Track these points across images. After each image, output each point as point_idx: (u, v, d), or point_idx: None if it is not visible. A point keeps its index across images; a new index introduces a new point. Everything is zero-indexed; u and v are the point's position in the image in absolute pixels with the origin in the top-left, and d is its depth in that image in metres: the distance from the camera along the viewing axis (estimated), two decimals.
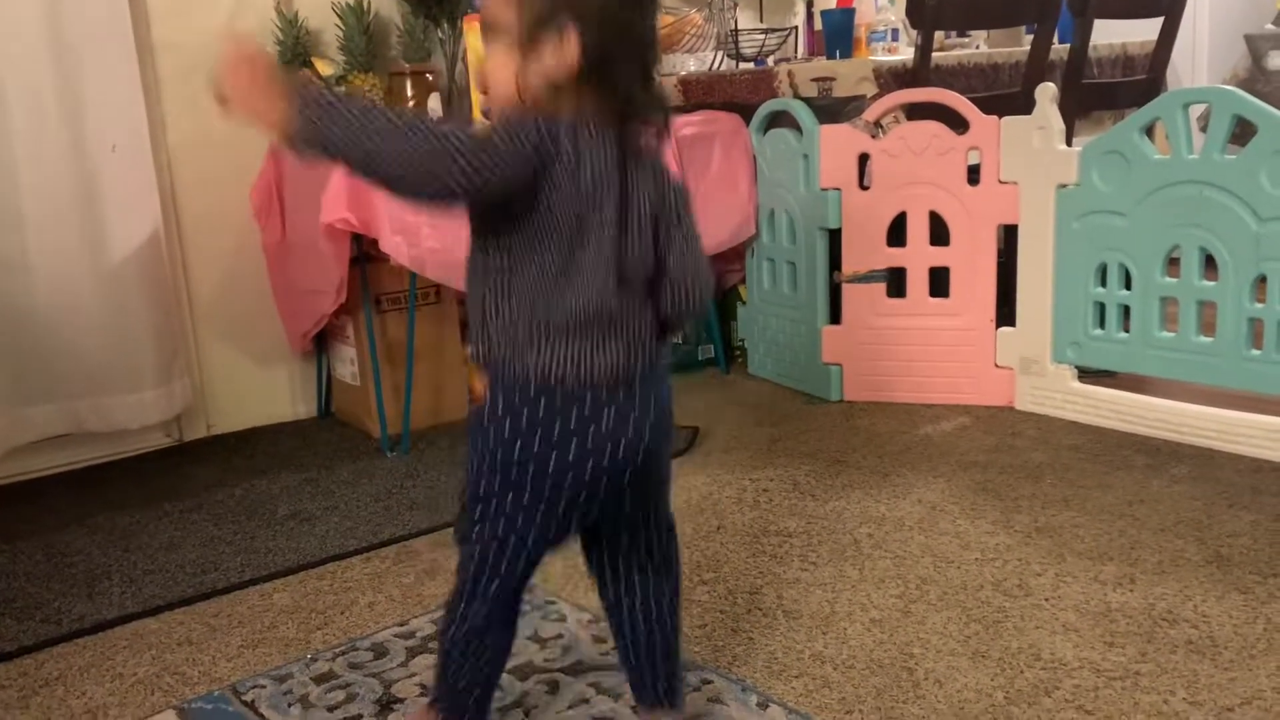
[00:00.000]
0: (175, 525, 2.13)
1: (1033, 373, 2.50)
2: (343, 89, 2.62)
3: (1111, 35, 3.02)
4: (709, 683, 1.45)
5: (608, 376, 1.06)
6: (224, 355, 2.72)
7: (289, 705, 1.45)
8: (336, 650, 1.60)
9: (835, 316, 2.70)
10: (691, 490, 2.16)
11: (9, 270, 2.33)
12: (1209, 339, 2.20)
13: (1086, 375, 2.46)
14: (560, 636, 1.60)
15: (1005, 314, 2.55)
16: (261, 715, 1.43)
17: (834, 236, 2.65)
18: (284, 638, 1.66)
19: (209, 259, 2.67)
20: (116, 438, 2.54)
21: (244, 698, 1.48)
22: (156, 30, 2.53)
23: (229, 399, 2.74)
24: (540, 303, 1.04)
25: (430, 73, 2.72)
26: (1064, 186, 2.38)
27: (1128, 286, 2.32)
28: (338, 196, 2.30)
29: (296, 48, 2.63)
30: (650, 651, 1.25)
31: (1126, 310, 2.34)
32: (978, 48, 3.05)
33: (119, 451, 2.57)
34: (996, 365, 2.56)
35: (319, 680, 1.51)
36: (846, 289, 2.66)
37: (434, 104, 2.67)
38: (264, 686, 1.50)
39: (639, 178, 1.07)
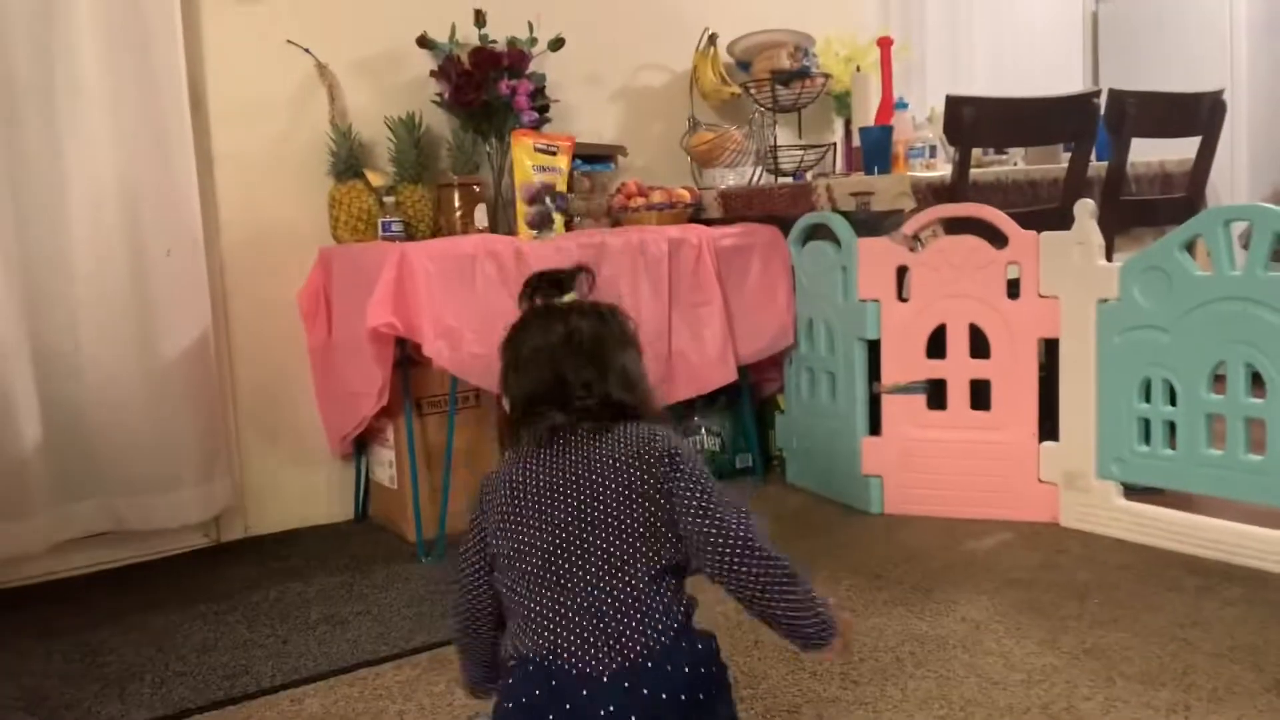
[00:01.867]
0: (209, 626, 2.12)
1: (1077, 488, 2.46)
2: (392, 199, 2.69)
3: (1149, 153, 3.05)
4: None
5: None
6: (264, 456, 2.75)
7: None
8: None
9: (875, 427, 2.68)
10: (728, 603, 2.11)
11: (61, 366, 2.39)
12: (1258, 457, 2.16)
13: (1132, 492, 2.41)
14: None
15: (1048, 428, 2.52)
16: None
17: (873, 347, 2.65)
18: None
19: (255, 361, 2.72)
20: (154, 537, 2.55)
21: None
22: (216, 138, 2.63)
23: (267, 500, 2.75)
24: None
25: (478, 184, 2.79)
26: (1105, 301, 2.38)
27: (1172, 402, 2.29)
28: (383, 301, 2.35)
29: (349, 159, 2.71)
30: None
31: (1172, 427, 2.30)
32: (1015, 164, 3.08)
33: (156, 551, 2.58)
34: (1040, 480, 2.52)
35: None
36: (886, 400, 2.64)
37: (480, 215, 2.74)
38: None
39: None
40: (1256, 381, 2.16)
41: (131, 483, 2.45)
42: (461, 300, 2.43)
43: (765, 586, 1.18)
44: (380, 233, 2.65)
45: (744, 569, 1.18)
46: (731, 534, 1.18)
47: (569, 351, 1.28)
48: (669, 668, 1.15)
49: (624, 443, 1.25)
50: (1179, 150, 3.06)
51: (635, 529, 1.19)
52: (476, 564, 1.30)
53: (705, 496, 1.21)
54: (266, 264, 2.71)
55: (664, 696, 1.13)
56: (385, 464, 2.70)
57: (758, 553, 1.19)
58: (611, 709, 1.11)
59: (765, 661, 1.85)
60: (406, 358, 2.50)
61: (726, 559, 1.18)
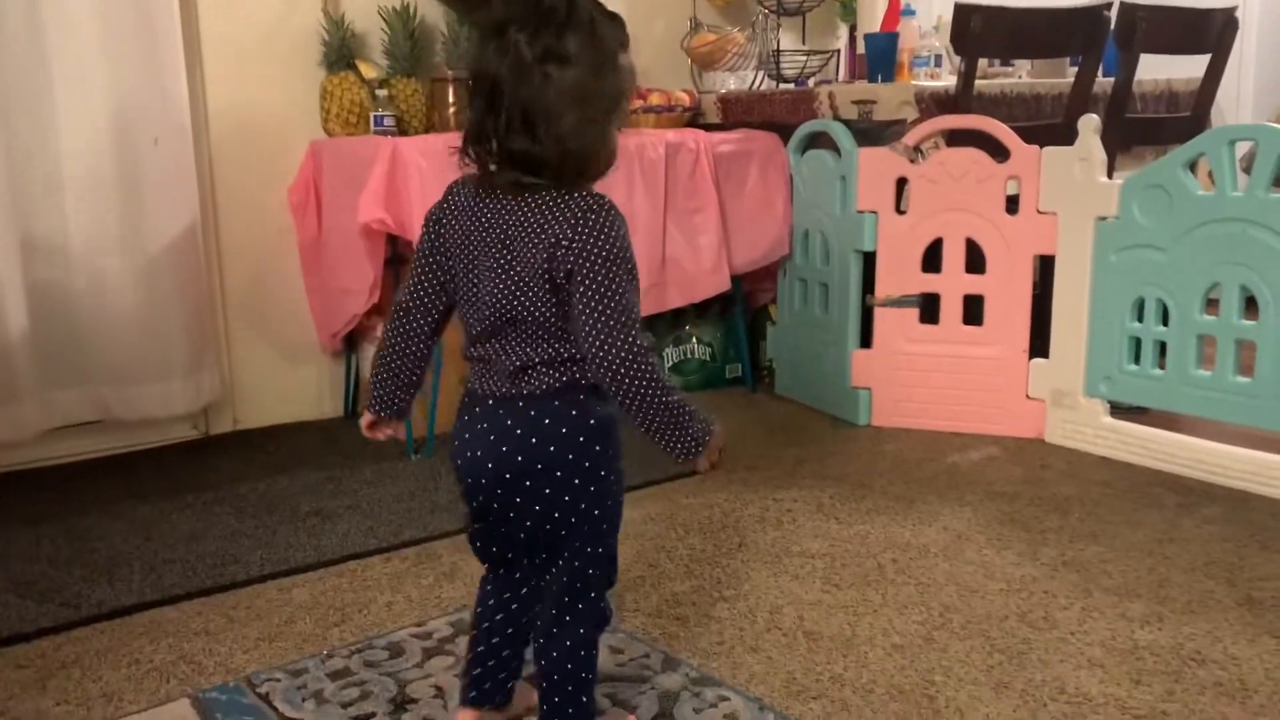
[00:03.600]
0: (197, 517, 2.14)
1: (1064, 406, 2.47)
2: (385, 92, 2.63)
3: (1157, 71, 2.99)
4: (726, 699, 1.43)
5: (471, 395, 1.21)
6: (253, 350, 2.73)
7: (303, 700, 1.44)
8: (353, 648, 1.59)
9: (866, 340, 2.68)
10: (713, 507, 2.14)
11: (48, 255, 2.36)
12: (1246, 379, 2.17)
13: (1118, 411, 2.43)
14: None
15: (1038, 345, 2.52)
16: (275, 708, 1.43)
17: (868, 260, 2.64)
18: (301, 633, 1.65)
19: (244, 254, 2.69)
20: (142, 428, 2.55)
21: (258, 690, 1.47)
22: (205, 23, 2.55)
23: (256, 394, 2.75)
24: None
25: None
26: (1104, 219, 2.36)
27: (1164, 322, 2.29)
28: (375, 196, 2.31)
29: (342, 49, 2.65)
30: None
31: (1162, 346, 2.31)
32: (1020, 78, 3.03)
33: (144, 442, 2.58)
34: (1028, 397, 2.53)
35: (334, 676, 1.50)
36: (879, 313, 2.64)
37: None
38: (279, 680, 1.50)
39: (503, 234, 1.14)
40: (1250, 305, 2.16)
41: (119, 372, 2.44)
42: None
43: (638, 394, 1.11)
44: (372, 126, 2.59)
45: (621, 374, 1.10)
46: (613, 346, 1.10)
47: (496, 90, 1.09)
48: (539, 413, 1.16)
49: (535, 216, 1.12)
50: (1186, 69, 3.01)
51: (531, 315, 1.13)
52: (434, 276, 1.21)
53: (602, 301, 1.10)
54: (256, 156, 2.66)
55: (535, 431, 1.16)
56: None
57: (633, 364, 1.10)
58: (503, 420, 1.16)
59: (749, 564, 1.87)
60: (397, 255, 2.48)
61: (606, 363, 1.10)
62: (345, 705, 1.43)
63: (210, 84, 2.59)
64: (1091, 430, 2.43)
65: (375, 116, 2.59)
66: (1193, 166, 2.25)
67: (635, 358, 1.10)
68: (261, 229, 2.69)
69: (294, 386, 2.80)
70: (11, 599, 1.77)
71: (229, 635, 1.65)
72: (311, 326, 2.76)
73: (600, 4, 1.13)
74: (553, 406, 1.15)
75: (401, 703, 1.43)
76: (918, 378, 2.61)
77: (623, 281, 1.10)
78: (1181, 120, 2.92)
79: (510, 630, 1.30)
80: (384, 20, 2.68)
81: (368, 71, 2.68)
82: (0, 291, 2.26)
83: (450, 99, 2.70)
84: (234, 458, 2.52)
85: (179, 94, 2.46)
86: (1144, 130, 2.92)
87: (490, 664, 1.30)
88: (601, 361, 1.10)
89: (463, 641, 1.59)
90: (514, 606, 1.29)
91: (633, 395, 1.11)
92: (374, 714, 1.41)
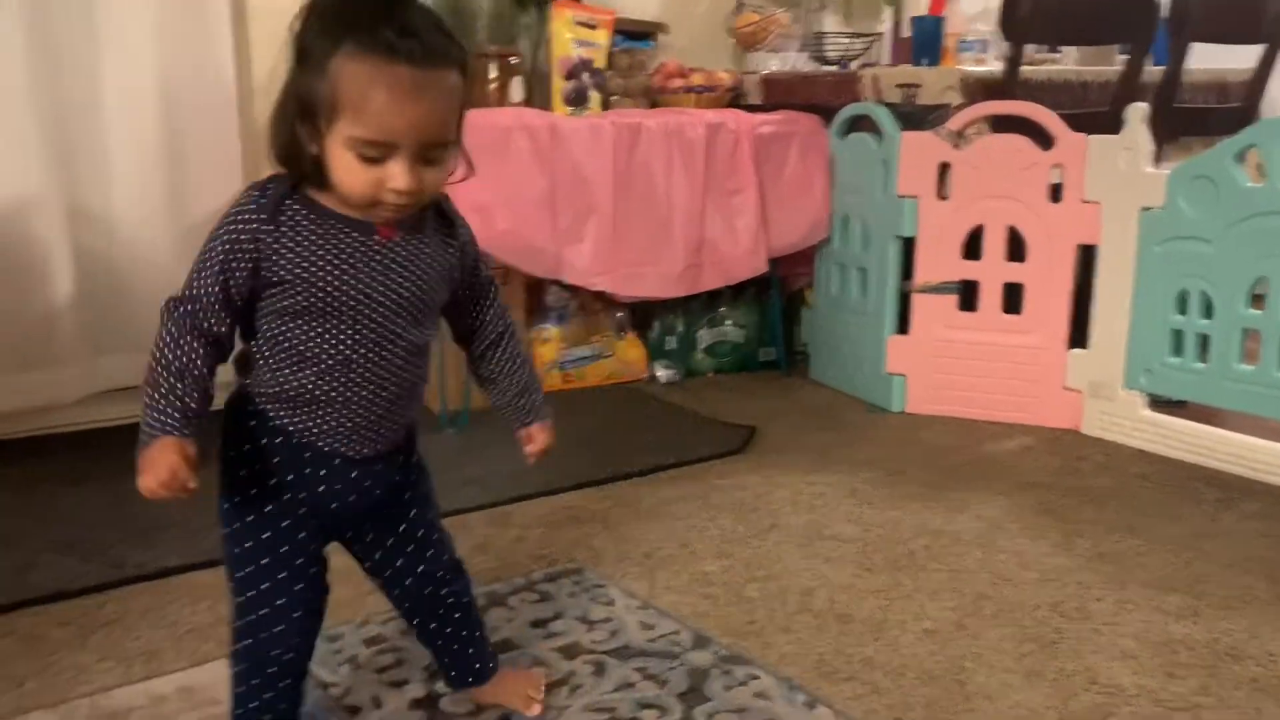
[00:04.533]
0: None
1: (1102, 397, 2.45)
2: None
3: (1207, 61, 2.94)
4: (756, 678, 1.44)
5: None
6: None
7: (339, 665, 1.47)
8: (388, 615, 1.60)
9: (903, 326, 2.66)
10: (745, 489, 2.15)
11: (92, 221, 2.38)
12: None
13: (1157, 404, 2.40)
14: (609, 620, 1.59)
15: (1077, 336, 2.50)
16: (311, 673, 1.44)
17: (907, 245, 2.62)
18: (337, 599, 1.65)
19: None
20: None
21: None
22: None
23: None
24: None
25: (515, 56, 2.73)
26: (1148, 209, 2.33)
27: (1208, 315, 2.26)
28: None
29: None
30: None
31: (1205, 340, 2.28)
32: (1067, 64, 2.99)
33: None
34: (1065, 387, 2.51)
35: (369, 643, 1.52)
36: (916, 299, 2.62)
37: (516, 88, 2.69)
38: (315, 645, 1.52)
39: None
40: None
41: None
42: (494, 175, 2.40)
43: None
44: None
45: None
46: None
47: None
48: None
49: None
50: (1237, 59, 2.95)
51: None
52: None
53: None
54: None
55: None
56: None
57: None
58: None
59: (780, 546, 1.87)
60: None
61: None
62: (379, 671, 1.45)
63: (255, 56, 2.60)
64: (1129, 422, 2.41)
65: None
66: (1242, 158, 2.22)
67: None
68: None
69: None
70: (55, 557, 1.80)
71: None
72: None
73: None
74: None
75: (435, 671, 1.45)
76: (954, 365, 2.60)
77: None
78: (1231, 111, 2.88)
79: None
80: None
81: None
82: (48, 257, 2.30)
83: (492, 75, 2.69)
84: None
85: (225, 64, 2.48)
86: (1192, 120, 2.87)
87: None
88: None
89: (495, 612, 1.61)
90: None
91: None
92: (407, 680, 1.43)
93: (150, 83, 2.38)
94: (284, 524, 1.14)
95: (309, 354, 1.08)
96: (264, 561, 1.14)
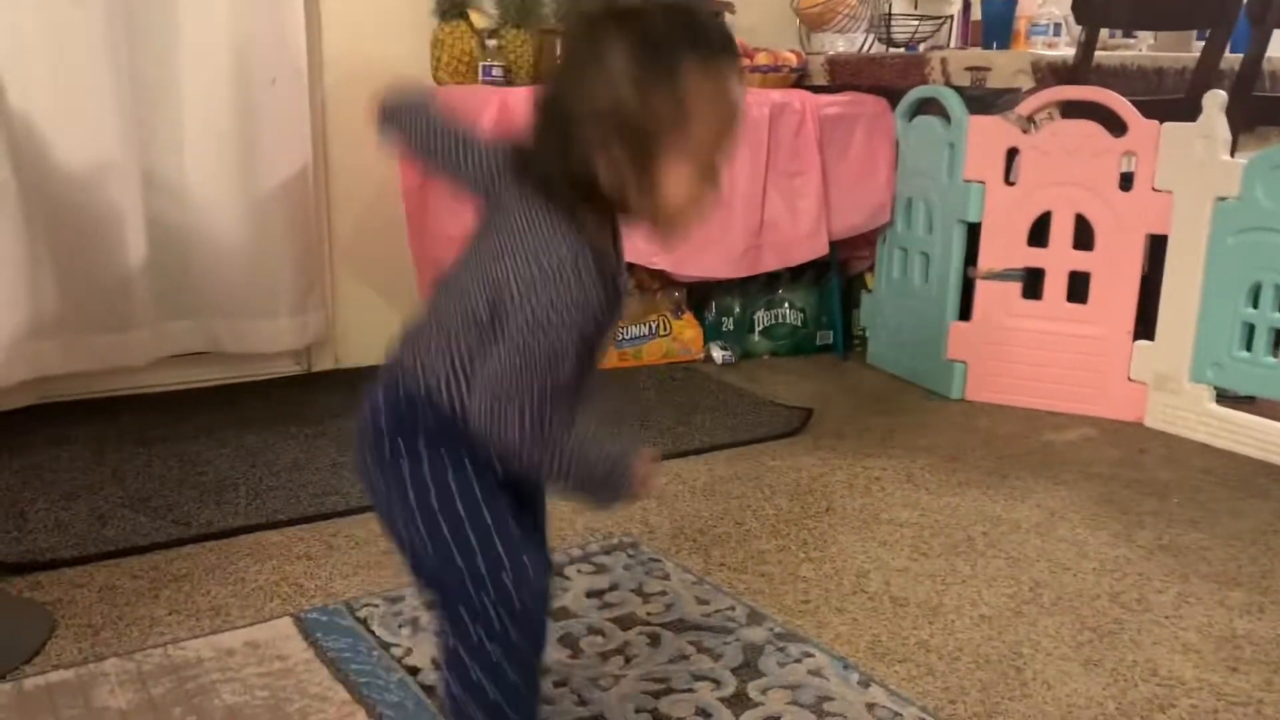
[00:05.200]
0: (300, 448, 2.21)
1: (1167, 390, 2.41)
2: (494, 42, 2.65)
3: None
4: (810, 656, 1.44)
5: None
6: (357, 292, 2.80)
7: (399, 626, 1.50)
8: None
9: (964, 313, 2.64)
10: (801, 470, 2.14)
11: (165, 190, 2.44)
12: None
13: (1224, 398, 2.36)
14: (664, 593, 1.61)
15: (1142, 327, 2.45)
16: (373, 632, 1.48)
17: (972, 231, 2.59)
18: (397, 563, 1.69)
19: (351, 198, 2.75)
20: (249, 361, 2.64)
21: (357, 613, 1.53)
22: None
23: (358, 334, 2.82)
24: None
25: None
26: (1223, 199, 2.28)
27: None
28: None
29: None
30: None
31: (1277, 335, 2.23)
32: (1142, 50, 2.93)
33: (250, 374, 2.67)
34: (1129, 379, 2.47)
35: (430, 607, 1.55)
36: (980, 286, 2.59)
37: None
38: (377, 605, 1.55)
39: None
40: None
41: (229, 307, 2.52)
42: None
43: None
44: (480, 76, 2.62)
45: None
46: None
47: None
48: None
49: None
50: None
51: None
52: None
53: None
54: (367, 101, 2.70)
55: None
56: None
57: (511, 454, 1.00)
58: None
59: (836, 528, 1.87)
60: None
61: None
62: (439, 634, 1.47)
63: (326, 29, 2.64)
64: (1195, 416, 2.36)
65: (484, 66, 2.62)
66: None
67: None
68: (369, 174, 2.75)
69: (394, 328, 2.84)
70: (127, 513, 1.85)
71: (329, 561, 1.71)
72: (412, 271, 2.81)
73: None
74: None
75: None
76: (1016, 353, 2.57)
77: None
78: None
79: None
80: None
81: (479, 21, 2.70)
82: (123, 223, 2.35)
83: (558, 51, 2.70)
84: (335, 394, 2.59)
85: (297, 37, 2.52)
86: (1272, 110, 2.80)
87: None
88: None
89: (553, 582, 1.63)
90: None
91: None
92: None
93: (224, 53, 2.42)
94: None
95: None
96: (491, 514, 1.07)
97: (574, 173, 0.96)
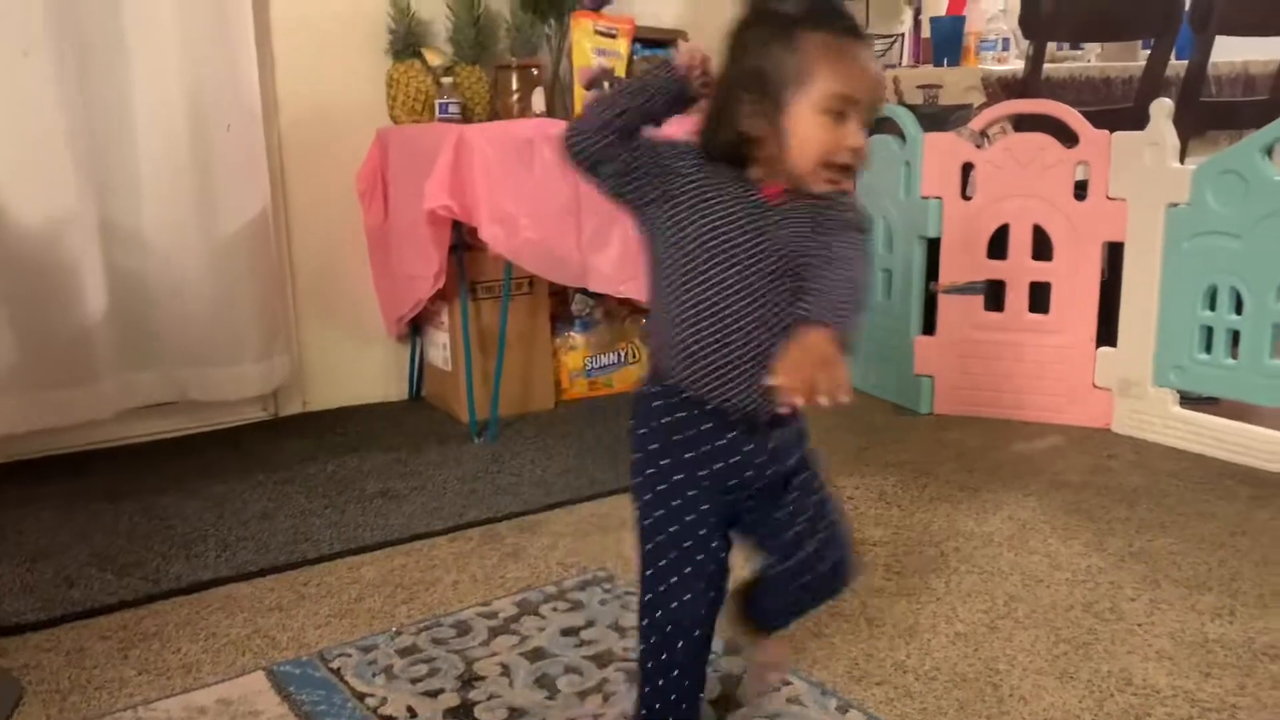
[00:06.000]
0: (269, 496, 2.19)
1: (1132, 395, 2.43)
2: (450, 79, 2.66)
3: (1232, 54, 2.92)
4: (788, 684, 1.44)
5: None
6: (322, 334, 2.79)
7: (373, 675, 1.48)
8: (421, 625, 1.62)
9: (929, 327, 2.66)
10: None
11: (124, 239, 2.42)
12: None
13: (1188, 401, 2.39)
14: None
15: (1105, 334, 2.48)
16: (347, 683, 1.47)
17: (932, 246, 2.61)
18: (370, 610, 1.69)
19: (313, 239, 2.74)
20: (214, 409, 2.62)
21: (330, 664, 1.51)
22: (275, 13, 2.60)
23: (324, 377, 2.80)
24: None
25: (536, 67, 2.75)
26: (1175, 205, 2.31)
27: (1238, 311, 2.24)
28: (440, 183, 2.35)
29: (408, 37, 2.68)
30: None
31: (1235, 336, 2.26)
32: (1090, 61, 2.98)
33: (217, 422, 2.65)
34: (1094, 386, 2.49)
35: (403, 653, 1.54)
36: (943, 300, 2.62)
37: (538, 98, 2.70)
38: (350, 655, 1.54)
39: None
40: None
41: (194, 354, 2.50)
42: (518, 185, 2.42)
43: None
44: (437, 114, 2.63)
45: None
46: None
47: None
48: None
49: None
50: (1264, 51, 2.93)
51: None
52: None
53: None
54: (324, 143, 2.70)
55: None
56: (440, 346, 2.73)
57: None
58: None
59: None
60: (462, 241, 2.51)
61: None
62: (414, 681, 1.46)
63: (280, 71, 2.64)
64: (1160, 420, 2.39)
65: (440, 104, 2.62)
66: (1270, 152, 2.20)
67: None
68: (330, 215, 2.74)
69: (361, 370, 2.85)
70: (95, 572, 1.83)
71: (301, 611, 1.69)
72: (377, 311, 2.81)
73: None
74: None
75: (469, 680, 1.46)
76: (982, 365, 2.59)
77: None
78: (1258, 104, 2.85)
79: None
80: (449, 8, 2.71)
81: (433, 59, 2.71)
82: (81, 274, 2.33)
83: (514, 86, 2.72)
84: (304, 439, 2.57)
85: (250, 80, 2.51)
86: (1218, 115, 2.86)
87: None
88: None
89: (527, 621, 1.62)
90: None
91: None
92: (442, 690, 1.44)
93: (178, 100, 2.42)
94: (690, 493, 1.19)
95: (699, 304, 1.14)
96: (672, 529, 1.18)
97: (728, 130, 1.14)
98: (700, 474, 1.19)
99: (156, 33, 2.38)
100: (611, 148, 1.15)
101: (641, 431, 1.21)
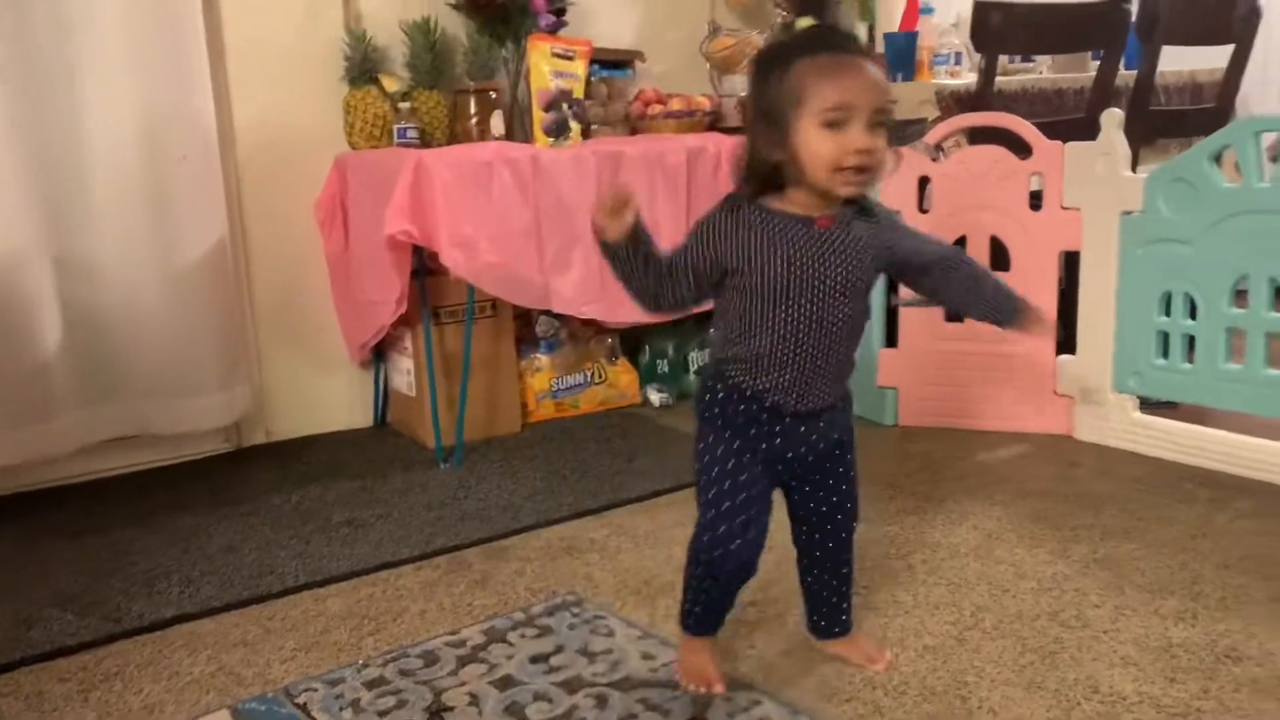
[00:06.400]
0: (233, 528, 2.17)
1: (1093, 402, 2.46)
2: (407, 104, 2.65)
3: (1180, 63, 2.97)
4: (758, 704, 1.44)
5: None
6: (284, 363, 2.77)
7: (340, 709, 1.47)
8: (388, 656, 1.61)
9: (892, 340, 2.68)
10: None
11: (81, 272, 2.39)
12: (1277, 371, 2.16)
13: (1148, 406, 2.42)
14: (610, 651, 1.60)
15: (1065, 342, 2.51)
16: (313, 718, 1.45)
17: None
18: (336, 642, 1.68)
19: (272, 268, 2.72)
20: (177, 442, 2.59)
21: (296, 700, 1.50)
22: (229, 39, 2.59)
23: (287, 406, 2.78)
24: None
25: (494, 90, 2.75)
26: (1128, 213, 2.35)
27: (1193, 316, 2.28)
28: (400, 209, 2.34)
29: (364, 63, 2.67)
30: None
31: (1191, 340, 2.29)
32: (1041, 73, 3.02)
33: (179, 455, 2.62)
34: (1056, 393, 2.52)
35: (370, 685, 1.52)
36: (904, 312, 2.63)
37: (496, 122, 2.70)
38: (316, 690, 1.52)
39: None
40: (1278, 296, 2.15)
41: (154, 387, 2.48)
42: (478, 208, 2.42)
43: None
44: (396, 139, 2.62)
45: None
46: None
47: None
48: None
49: None
50: (1210, 60, 2.99)
51: None
52: None
53: None
54: (282, 171, 2.69)
55: None
56: (404, 372, 2.72)
57: None
58: None
59: (779, 568, 1.86)
60: (423, 266, 2.50)
61: None
62: (382, 714, 1.45)
63: (235, 100, 2.62)
64: (1121, 426, 2.42)
65: (398, 129, 2.62)
66: (1218, 159, 2.24)
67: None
68: (289, 242, 2.73)
69: (324, 397, 2.83)
70: (55, 612, 1.80)
71: (266, 646, 1.67)
72: (340, 339, 2.79)
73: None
74: None
75: (437, 710, 1.45)
76: (945, 376, 2.61)
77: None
78: (1206, 112, 2.90)
79: None
80: (405, 34, 2.71)
81: (390, 84, 2.70)
82: (36, 309, 2.31)
83: (472, 110, 2.71)
84: (267, 469, 2.55)
85: (205, 110, 2.49)
86: (1168, 123, 2.90)
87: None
88: None
89: (495, 649, 1.61)
90: None
91: None
92: None
93: (131, 131, 2.40)
94: (745, 458, 1.37)
95: (762, 326, 1.32)
96: (727, 485, 1.37)
97: (756, 163, 1.31)
98: (761, 446, 1.37)
99: (108, 63, 2.36)
100: (675, 292, 1.35)
101: (708, 415, 1.39)
